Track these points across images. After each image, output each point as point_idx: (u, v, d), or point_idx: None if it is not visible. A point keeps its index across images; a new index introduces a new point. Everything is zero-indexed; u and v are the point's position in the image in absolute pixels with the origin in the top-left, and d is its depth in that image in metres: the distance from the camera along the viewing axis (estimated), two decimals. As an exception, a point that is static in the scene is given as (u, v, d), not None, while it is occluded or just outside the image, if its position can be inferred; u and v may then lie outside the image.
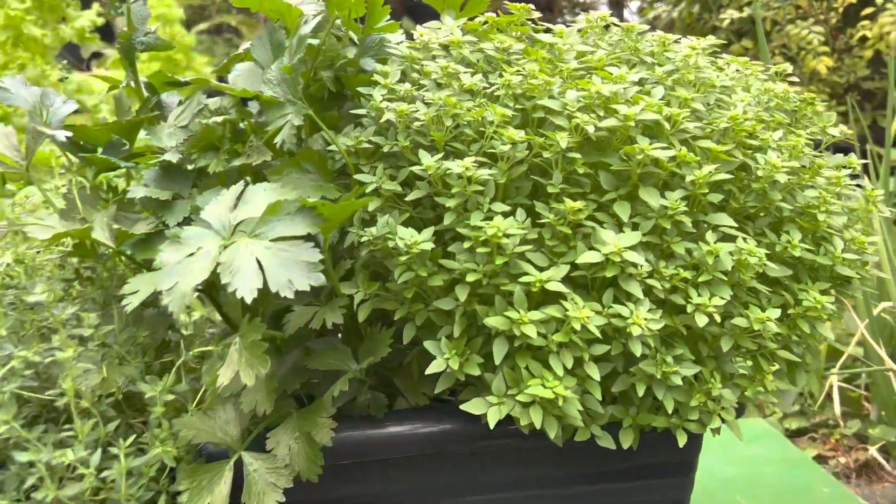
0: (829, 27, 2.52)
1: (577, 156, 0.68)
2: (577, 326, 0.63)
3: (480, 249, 0.64)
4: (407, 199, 0.69)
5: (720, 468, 1.17)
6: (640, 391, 0.66)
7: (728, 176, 0.67)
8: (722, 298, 0.66)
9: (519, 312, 0.64)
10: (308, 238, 0.62)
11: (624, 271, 0.65)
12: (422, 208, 0.73)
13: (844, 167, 0.80)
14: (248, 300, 0.53)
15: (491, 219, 0.66)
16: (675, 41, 0.84)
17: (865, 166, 0.77)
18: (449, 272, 0.67)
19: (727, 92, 0.77)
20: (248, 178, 0.76)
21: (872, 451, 1.37)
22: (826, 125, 0.81)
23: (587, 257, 0.64)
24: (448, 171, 0.66)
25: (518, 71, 0.74)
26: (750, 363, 0.73)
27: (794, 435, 1.46)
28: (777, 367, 0.72)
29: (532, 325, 0.63)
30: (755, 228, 0.72)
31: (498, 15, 0.85)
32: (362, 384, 0.74)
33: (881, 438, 1.33)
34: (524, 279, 0.64)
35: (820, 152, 0.81)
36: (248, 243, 0.57)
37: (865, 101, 2.83)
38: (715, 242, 0.67)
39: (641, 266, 0.65)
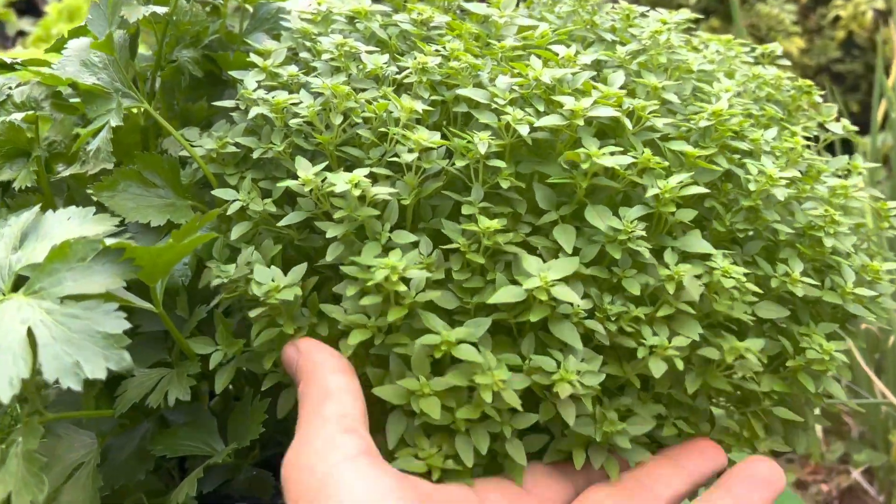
0: (801, 5, 2.38)
1: (501, 164, 0.50)
2: (488, 397, 0.45)
3: (367, 300, 0.46)
4: (281, 224, 0.51)
5: None
6: (579, 463, 0.49)
7: (703, 190, 0.50)
8: (687, 338, 0.49)
9: (419, 379, 0.46)
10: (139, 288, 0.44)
11: (555, 312, 0.48)
12: (309, 233, 0.55)
13: (849, 172, 0.64)
14: (6, 400, 0.35)
15: (390, 252, 0.49)
16: (642, 14, 0.67)
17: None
18: (330, 324, 0.50)
19: (707, 79, 0.61)
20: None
21: (856, 474, 1.24)
22: (826, 119, 0.65)
23: (503, 295, 0.47)
24: (331, 189, 0.49)
25: (438, 51, 0.57)
26: (734, 416, 0.57)
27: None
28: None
29: (435, 399, 0.46)
30: (744, 255, 0.56)
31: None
32: (237, 466, 0.57)
33: (867, 463, 1.20)
34: (425, 339, 0.46)
35: (817, 152, 0.65)
36: (22, 305, 0.38)
37: (836, 84, 2.71)
38: (677, 264, 0.50)
39: (577, 305, 0.48)
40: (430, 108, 0.54)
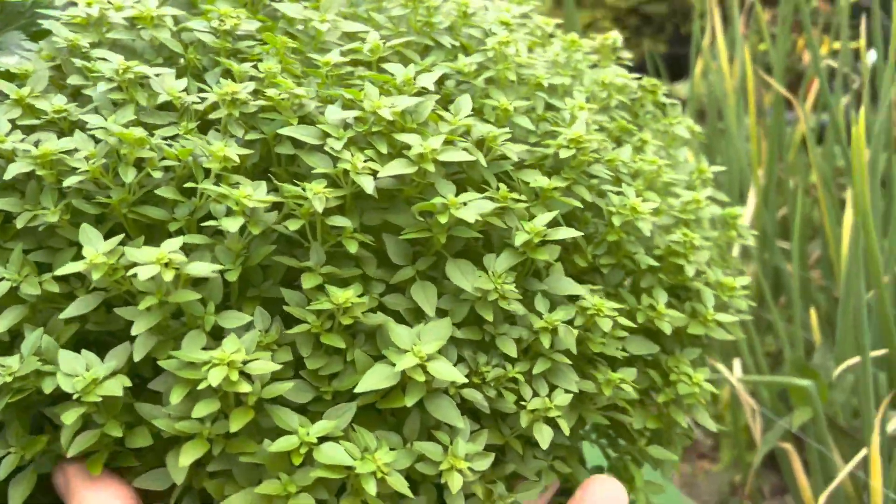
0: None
1: (345, 223, 0.42)
2: (371, 488, 0.39)
3: (203, 409, 0.38)
4: (65, 315, 0.40)
5: None
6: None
7: (575, 233, 0.46)
8: (567, 392, 0.45)
9: (280, 479, 0.39)
10: None
11: (433, 390, 0.42)
12: (107, 312, 0.44)
13: (701, 179, 0.62)
14: None
15: (217, 337, 0.40)
16: (484, 7, 0.60)
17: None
18: (151, 428, 0.41)
19: (559, 93, 0.55)
20: None
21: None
22: (672, 123, 0.62)
23: (373, 380, 0.40)
24: (134, 273, 0.38)
25: (250, 74, 0.47)
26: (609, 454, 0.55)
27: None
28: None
29: (306, 497, 0.38)
30: (607, 286, 0.52)
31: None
32: None
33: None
34: (280, 444, 0.38)
35: (668, 157, 0.63)
36: None
37: (644, 27, 2.82)
38: (549, 311, 0.46)
39: (460, 381, 0.42)
40: (247, 151, 0.44)
